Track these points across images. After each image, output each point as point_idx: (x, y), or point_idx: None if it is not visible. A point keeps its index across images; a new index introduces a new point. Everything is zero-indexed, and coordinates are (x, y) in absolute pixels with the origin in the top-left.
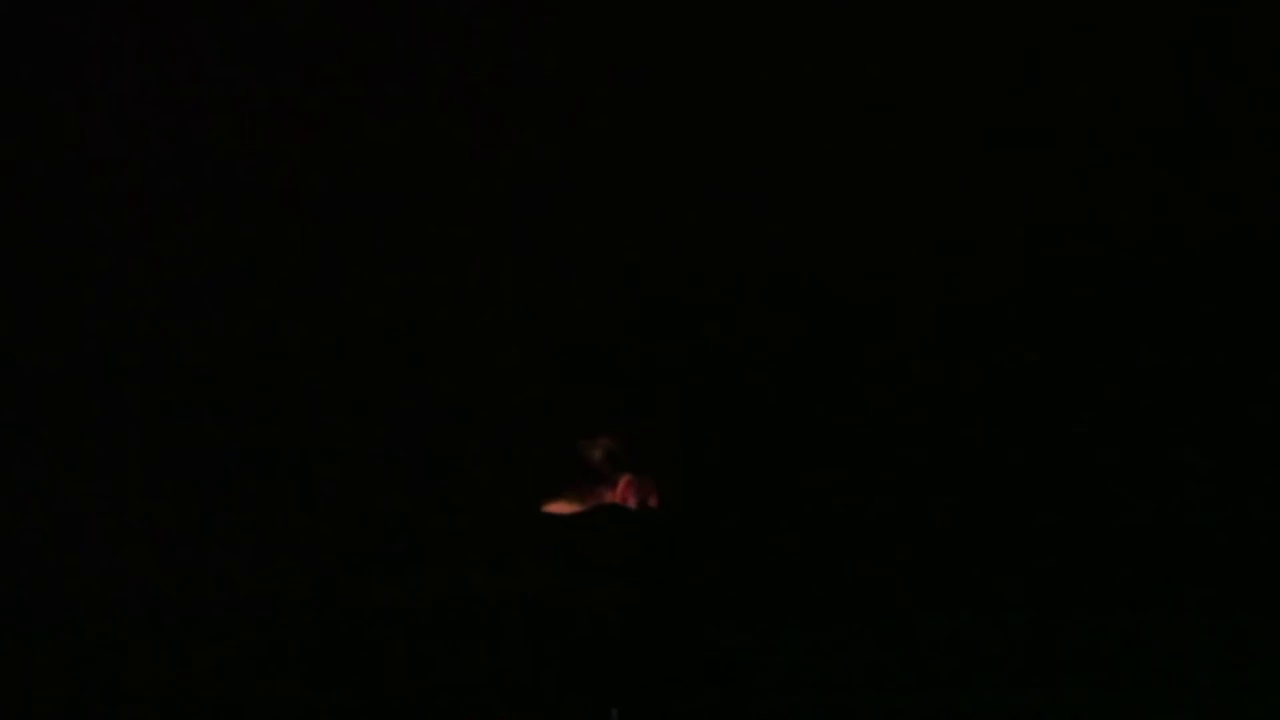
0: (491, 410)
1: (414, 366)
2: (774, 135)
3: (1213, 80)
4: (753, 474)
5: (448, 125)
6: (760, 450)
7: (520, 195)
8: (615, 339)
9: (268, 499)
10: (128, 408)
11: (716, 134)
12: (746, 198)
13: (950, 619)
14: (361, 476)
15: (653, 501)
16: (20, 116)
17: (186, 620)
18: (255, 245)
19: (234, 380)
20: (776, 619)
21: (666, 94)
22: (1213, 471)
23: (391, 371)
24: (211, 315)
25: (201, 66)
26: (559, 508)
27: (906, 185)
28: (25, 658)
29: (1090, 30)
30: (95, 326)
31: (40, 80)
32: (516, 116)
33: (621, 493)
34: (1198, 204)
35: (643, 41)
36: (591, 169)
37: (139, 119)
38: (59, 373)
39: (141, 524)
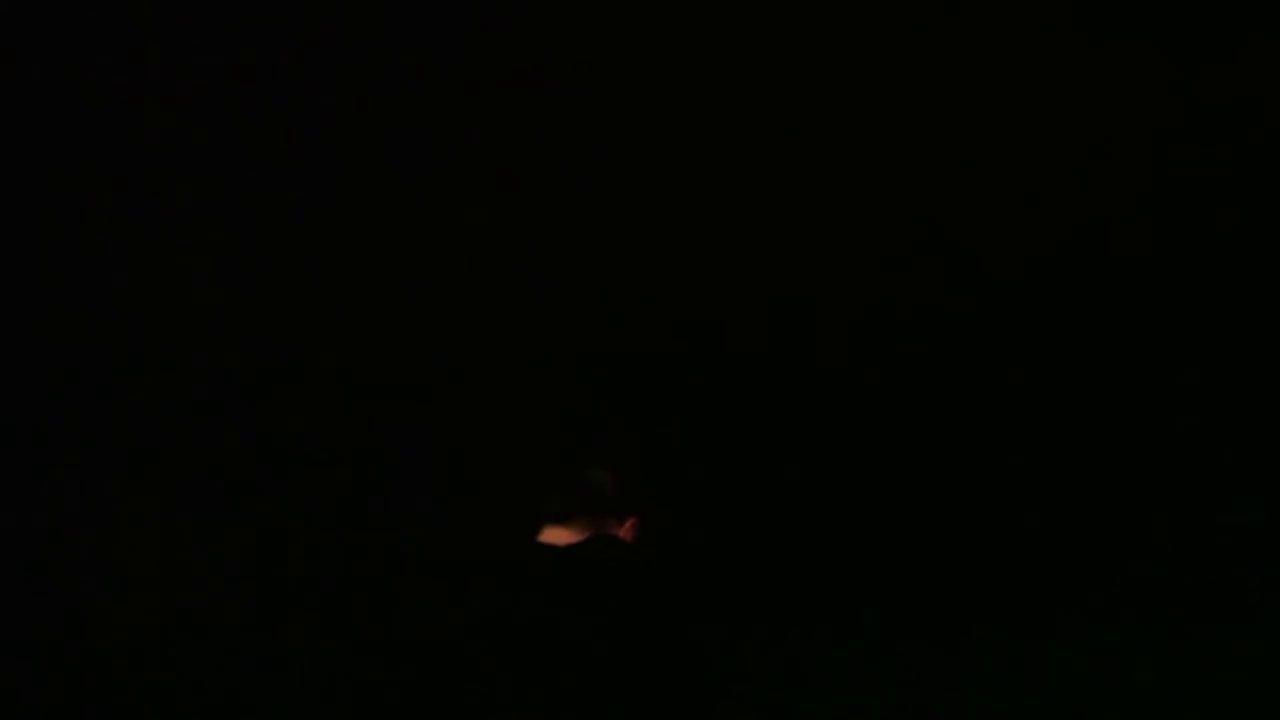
0: (500, 436)
1: (425, 384)
2: (779, 151)
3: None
4: (748, 506)
5: (463, 137)
6: (757, 483)
7: (542, 216)
8: (626, 370)
9: (272, 519)
10: (131, 419)
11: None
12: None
13: (946, 650)
14: (369, 497)
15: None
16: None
17: (187, 640)
18: (258, 257)
19: (235, 399)
20: (772, 652)
21: (671, 110)
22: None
23: (401, 387)
24: (216, 332)
25: (200, 63)
26: (558, 536)
27: (907, 198)
28: (26, 662)
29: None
30: (96, 327)
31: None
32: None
33: (627, 530)
34: (1197, 204)
35: (634, 44)
36: (610, 194)
37: (138, 121)
38: (60, 372)
39: (142, 536)
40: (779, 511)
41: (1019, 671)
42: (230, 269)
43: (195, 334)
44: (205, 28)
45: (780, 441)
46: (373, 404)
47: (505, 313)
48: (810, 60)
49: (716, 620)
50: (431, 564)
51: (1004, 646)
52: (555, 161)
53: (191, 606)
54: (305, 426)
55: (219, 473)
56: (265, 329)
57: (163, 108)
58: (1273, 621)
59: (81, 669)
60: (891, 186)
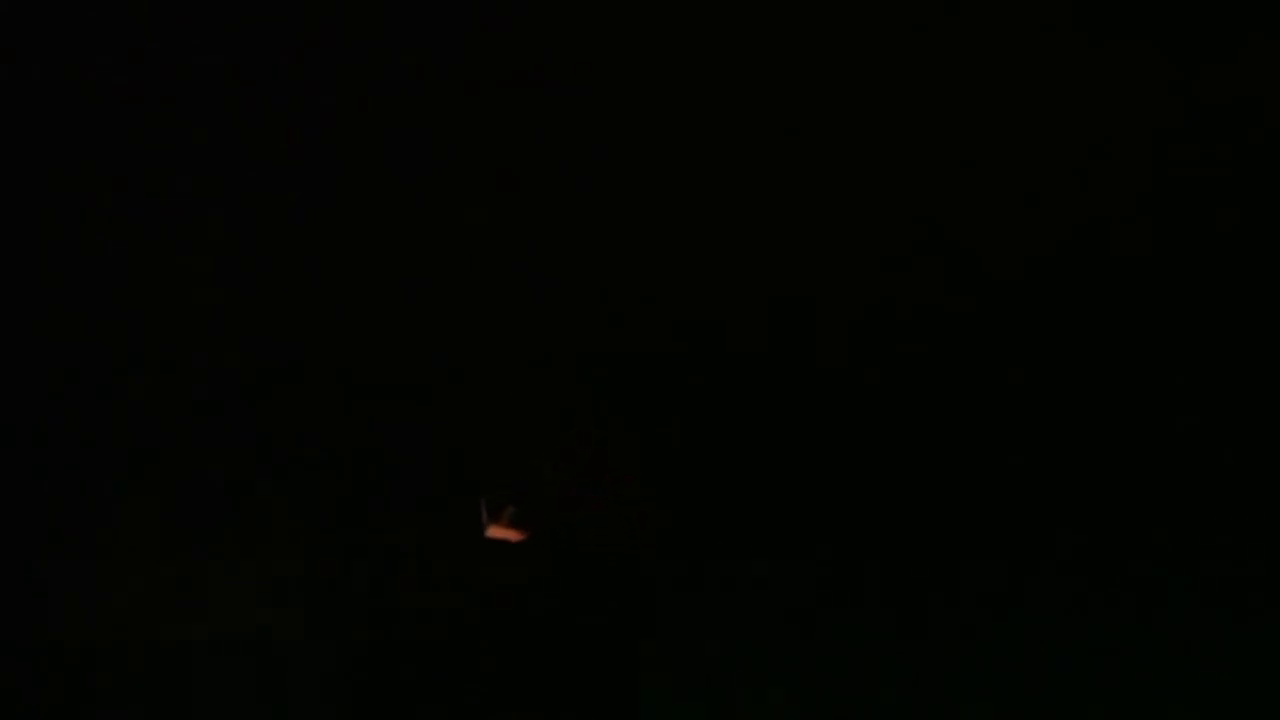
0: (500, 436)
1: (425, 384)
2: (765, 144)
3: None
4: (748, 505)
5: (451, 132)
6: (757, 482)
7: (542, 216)
8: (626, 370)
9: (272, 519)
10: (131, 419)
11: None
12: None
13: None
14: (369, 497)
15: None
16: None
17: (187, 640)
18: (258, 257)
19: (235, 399)
20: (772, 650)
21: (658, 103)
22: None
23: (401, 387)
24: (216, 332)
25: (200, 63)
26: (504, 534)
27: (892, 191)
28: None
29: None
30: (96, 327)
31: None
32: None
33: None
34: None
35: (634, 44)
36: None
37: (138, 121)
38: (60, 372)
39: (142, 536)
40: (778, 510)
41: (1018, 671)
42: (230, 269)
43: (195, 334)
44: (205, 28)
45: (780, 441)
46: (373, 404)
47: (505, 313)
48: (810, 60)
49: (713, 618)
50: (431, 563)
51: (1003, 646)
52: (555, 161)
53: (191, 607)
54: (305, 426)
55: (219, 473)
56: (265, 329)
57: (163, 108)
58: (1273, 621)
59: (81, 669)
60: (891, 186)
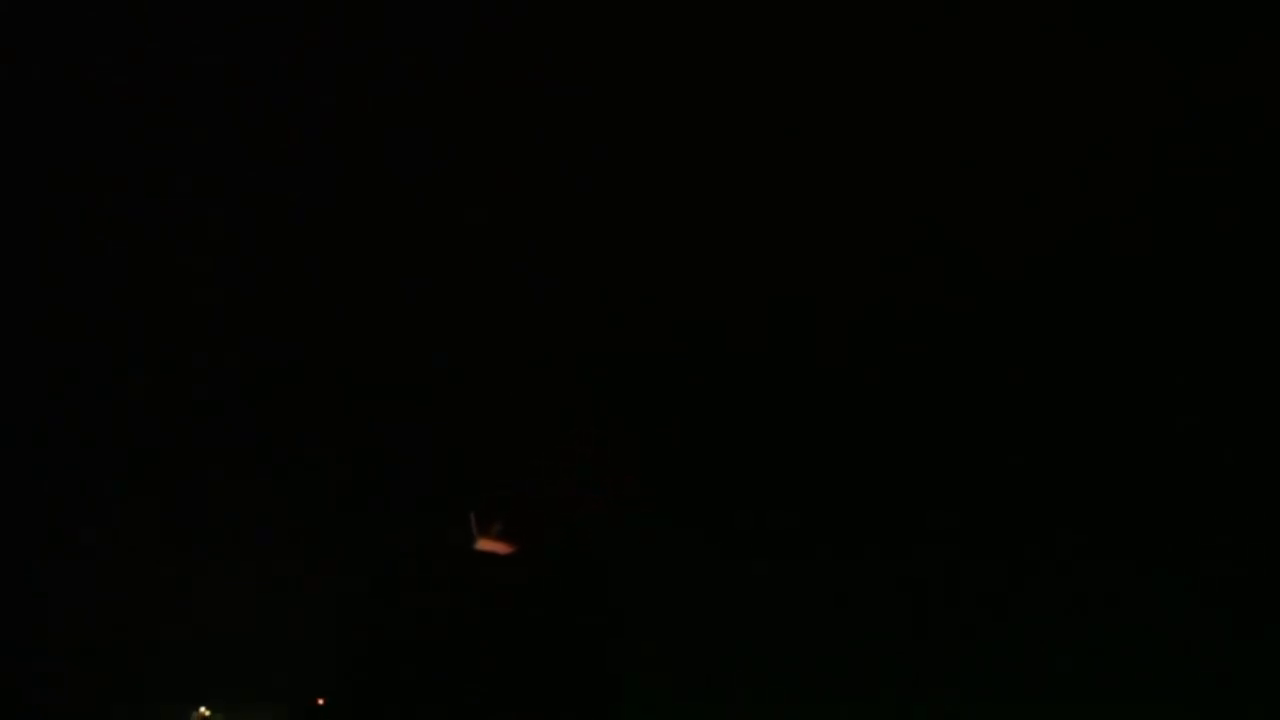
0: (500, 436)
1: (425, 384)
2: (764, 144)
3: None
4: (746, 506)
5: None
6: (756, 482)
7: (542, 216)
8: (626, 370)
9: (273, 519)
10: (131, 419)
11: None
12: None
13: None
14: (369, 497)
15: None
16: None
17: (187, 639)
18: (258, 257)
19: (235, 399)
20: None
21: (657, 100)
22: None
23: (401, 387)
24: (216, 332)
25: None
26: (493, 546)
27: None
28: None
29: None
30: (96, 327)
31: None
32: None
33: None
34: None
35: (634, 44)
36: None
37: (138, 121)
38: (60, 372)
39: (142, 536)
40: (778, 510)
41: (1018, 671)
42: (230, 269)
43: (195, 334)
44: (205, 28)
45: (779, 441)
46: (373, 404)
47: (505, 313)
48: (810, 60)
49: (712, 618)
50: (430, 564)
51: (1003, 646)
52: (555, 161)
53: (191, 606)
54: (305, 426)
55: (219, 473)
56: (265, 329)
57: (163, 108)
58: (1272, 621)
59: (81, 668)
60: (891, 186)
